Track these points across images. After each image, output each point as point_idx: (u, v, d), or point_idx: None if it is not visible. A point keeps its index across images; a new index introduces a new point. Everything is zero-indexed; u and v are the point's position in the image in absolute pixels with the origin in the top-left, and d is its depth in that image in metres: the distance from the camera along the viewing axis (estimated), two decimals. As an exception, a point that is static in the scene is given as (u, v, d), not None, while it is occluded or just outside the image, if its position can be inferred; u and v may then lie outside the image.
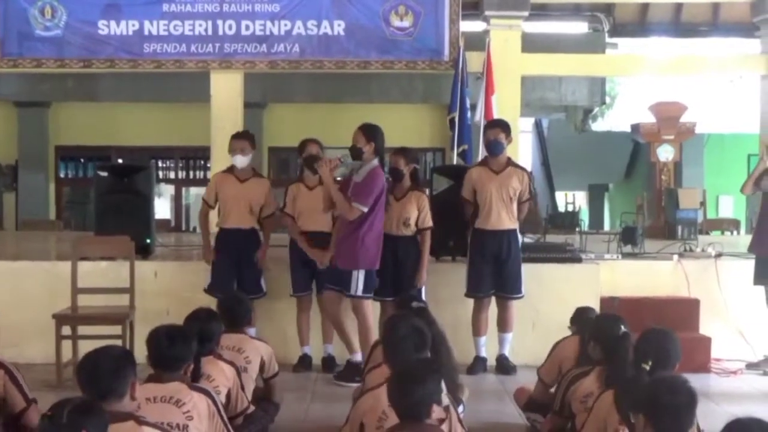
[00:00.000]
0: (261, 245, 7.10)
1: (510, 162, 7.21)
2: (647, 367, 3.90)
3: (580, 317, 5.42)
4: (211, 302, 6.69)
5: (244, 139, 7.15)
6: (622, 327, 4.57)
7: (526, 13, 10.47)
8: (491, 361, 7.18)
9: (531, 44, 11.07)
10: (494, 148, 7.11)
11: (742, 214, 15.92)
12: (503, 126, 7.27)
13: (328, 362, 7.10)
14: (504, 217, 7.03)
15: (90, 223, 10.78)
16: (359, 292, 6.49)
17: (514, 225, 7.08)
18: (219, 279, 6.99)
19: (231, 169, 7.16)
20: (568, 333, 5.42)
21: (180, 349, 3.93)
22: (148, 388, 3.78)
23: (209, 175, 11.10)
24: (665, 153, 11.03)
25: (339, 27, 9.95)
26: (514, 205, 7.06)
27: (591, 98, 16.44)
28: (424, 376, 3.40)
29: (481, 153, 9.52)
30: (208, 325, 4.68)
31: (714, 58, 12.27)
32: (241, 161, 7.06)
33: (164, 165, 16.63)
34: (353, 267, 6.48)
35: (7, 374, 4.15)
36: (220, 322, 4.88)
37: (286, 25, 9.92)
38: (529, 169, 8.33)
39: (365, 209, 6.39)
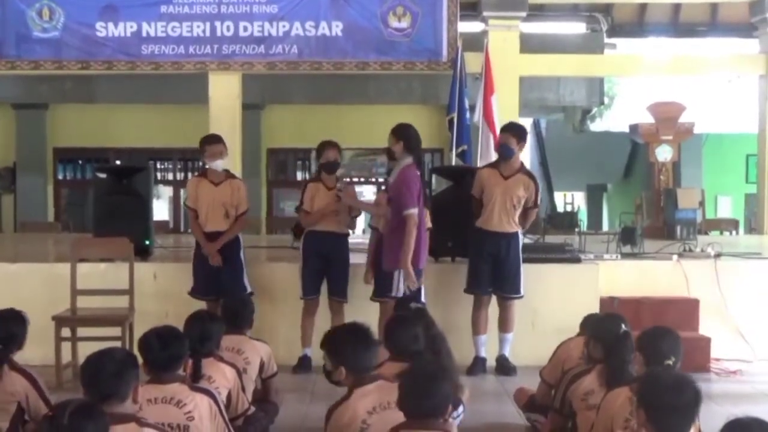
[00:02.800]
0: (238, 245, 7.03)
1: (522, 168, 7.15)
2: (671, 363, 3.91)
3: (589, 320, 5.37)
4: (202, 303, 6.74)
5: (220, 142, 7.07)
6: (623, 326, 4.56)
7: (524, 14, 10.48)
8: (491, 362, 7.17)
9: (529, 45, 11.08)
10: (503, 152, 7.09)
11: (740, 214, 15.93)
12: (514, 130, 7.15)
13: None
14: (504, 222, 7.01)
15: (89, 225, 10.75)
16: (399, 293, 6.39)
17: (514, 230, 7.05)
18: (201, 282, 6.99)
19: (204, 174, 7.11)
20: (568, 333, 5.39)
21: (174, 348, 3.92)
22: (148, 389, 3.77)
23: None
24: (664, 153, 11.02)
25: (337, 28, 9.95)
26: (518, 212, 7.03)
27: (589, 98, 16.42)
28: (442, 377, 3.40)
29: (480, 153, 9.55)
30: (208, 326, 4.69)
31: (712, 58, 12.28)
32: (220, 165, 7.00)
33: (162, 166, 16.60)
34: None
35: (30, 382, 4.17)
36: (220, 323, 4.88)
37: (284, 26, 9.91)
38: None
39: (414, 210, 6.36)
